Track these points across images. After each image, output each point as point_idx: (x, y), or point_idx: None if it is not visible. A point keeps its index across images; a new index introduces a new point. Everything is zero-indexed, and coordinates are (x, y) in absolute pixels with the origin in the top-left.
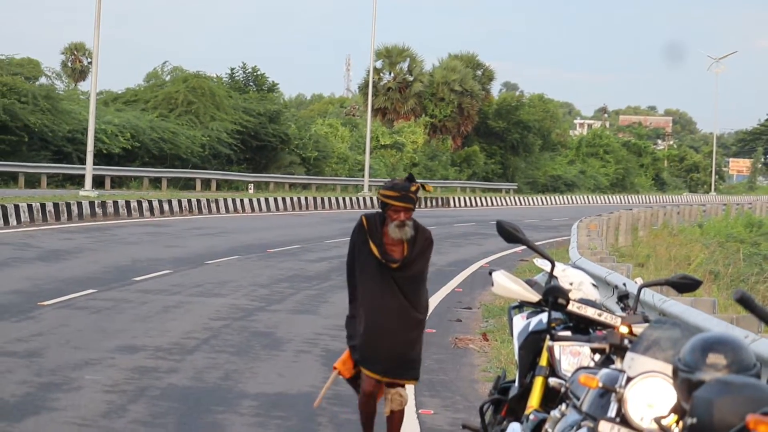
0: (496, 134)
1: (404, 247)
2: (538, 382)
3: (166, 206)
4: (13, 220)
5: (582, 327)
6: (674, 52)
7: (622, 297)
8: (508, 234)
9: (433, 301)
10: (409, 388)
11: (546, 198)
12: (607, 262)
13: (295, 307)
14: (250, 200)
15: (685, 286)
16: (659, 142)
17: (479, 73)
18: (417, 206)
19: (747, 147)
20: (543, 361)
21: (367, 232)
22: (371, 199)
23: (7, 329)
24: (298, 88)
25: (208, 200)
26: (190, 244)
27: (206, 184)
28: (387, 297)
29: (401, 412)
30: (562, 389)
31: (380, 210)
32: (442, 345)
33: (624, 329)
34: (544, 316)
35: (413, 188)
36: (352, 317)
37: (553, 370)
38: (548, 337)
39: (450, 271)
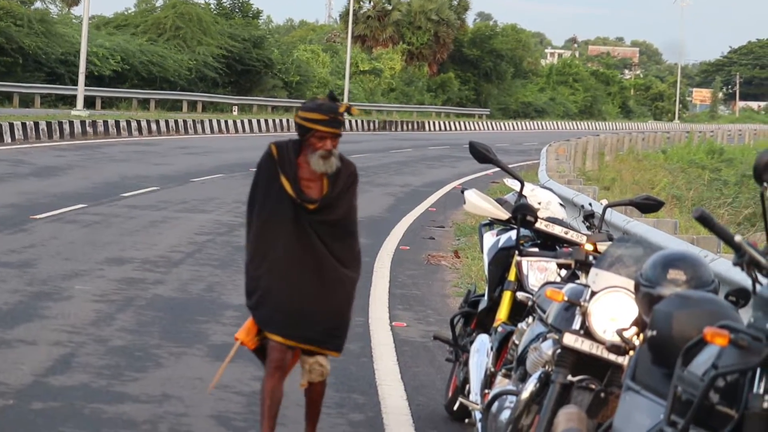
0: (471, 62)
1: (323, 184)
2: (507, 296)
3: (153, 126)
4: (7, 138)
5: (549, 244)
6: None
7: (588, 216)
8: (480, 154)
9: (408, 220)
10: (383, 300)
11: (517, 123)
12: (575, 184)
13: None
14: (235, 122)
15: (648, 206)
16: (626, 71)
17: (455, 3)
18: (393, 130)
19: (710, 78)
20: (511, 276)
21: (277, 163)
22: (350, 122)
23: (1, 241)
24: (282, 15)
25: (194, 121)
26: (176, 163)
27: (192, 105)
28: (303, 246)
29: (322, 384)
30: (529, 303)
31: (294, 137)
32: (416, 261)
33: (589, 246)
34: (513, 233)
35: (341, 109)
36: (247, 268)
37: (520, 284)
38: (517, 253)
39: (424, 192)
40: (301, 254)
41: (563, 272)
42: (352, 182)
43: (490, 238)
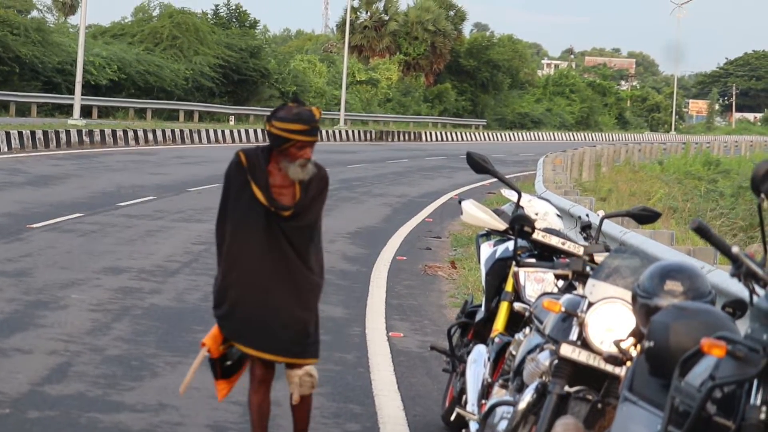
0: (467, 72)
1: (296, 190)
2: (504, 306)
3: (150, 136)
4: (4, 147)
5: (546, 255)
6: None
7: (585, 227)
8: (477, 165)
9: (405, 230)
10: (379, 310)
11: (513, 134)
12: (571, 195)
13: None
14: (231, 132)
15: (645, 217)
16: (623, 82)
17: (452, 13)
18: (390, 140)
19: (706, 89)
20: (508, 287)
21: (247, 171)
22: (347, 132)
23: None
24: (279, 25)
25: (190, 131)
26: (172, 172)
27: (189, 115)
28: (274, 254)
29: (309, 398)
30: (527, 313)
31: (262, 145)
32: (413, 272)
33: (586, 257)
34: (510, 244)
35: (317, 115)
36: (217, 278)
37: (517, 295)
38: (514, 263)
39: (421, 202)
40: (274, 263)
41: (560, 283)
42: (324, 187)
43: (487, 249)
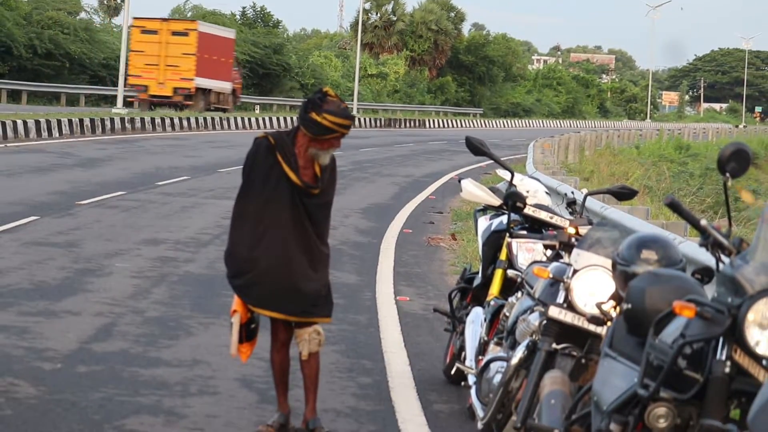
0: (466, 67)
1: (315, 170)
2: (498, 273)
3: (185, 122)
4: (56, 133)
5: (536, 228)
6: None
7: (570, 203)
8: (475, 148)
9: (410, 206)
10: (388, 277)
11: (507, 121)
12: (558, 175)
13: None
14: (257, 119)
15: (623, 194)
16: (604, 76)
17: (452, 14)
18: (397, 127)
19: (677, 82)
20: (503, 256)
21: (278, 152)
22: (359, 119)
23: (50, 224)
24: (296, 25)
25: (221, 118)
26: (205, 155)
27: None
28: (297, 228)
29: (317, 360)
30: (519, 279)
31: (283, 130)
32: (417, 243)
33: (572, 230)
34: (504, 218)
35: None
36: (237, 250)
37: (511, 263)
38: (507, 235)
39: (425, 181)
40: (295, 236)
41: (549, 252)
42: (335, 167)
43: (483, 222)
